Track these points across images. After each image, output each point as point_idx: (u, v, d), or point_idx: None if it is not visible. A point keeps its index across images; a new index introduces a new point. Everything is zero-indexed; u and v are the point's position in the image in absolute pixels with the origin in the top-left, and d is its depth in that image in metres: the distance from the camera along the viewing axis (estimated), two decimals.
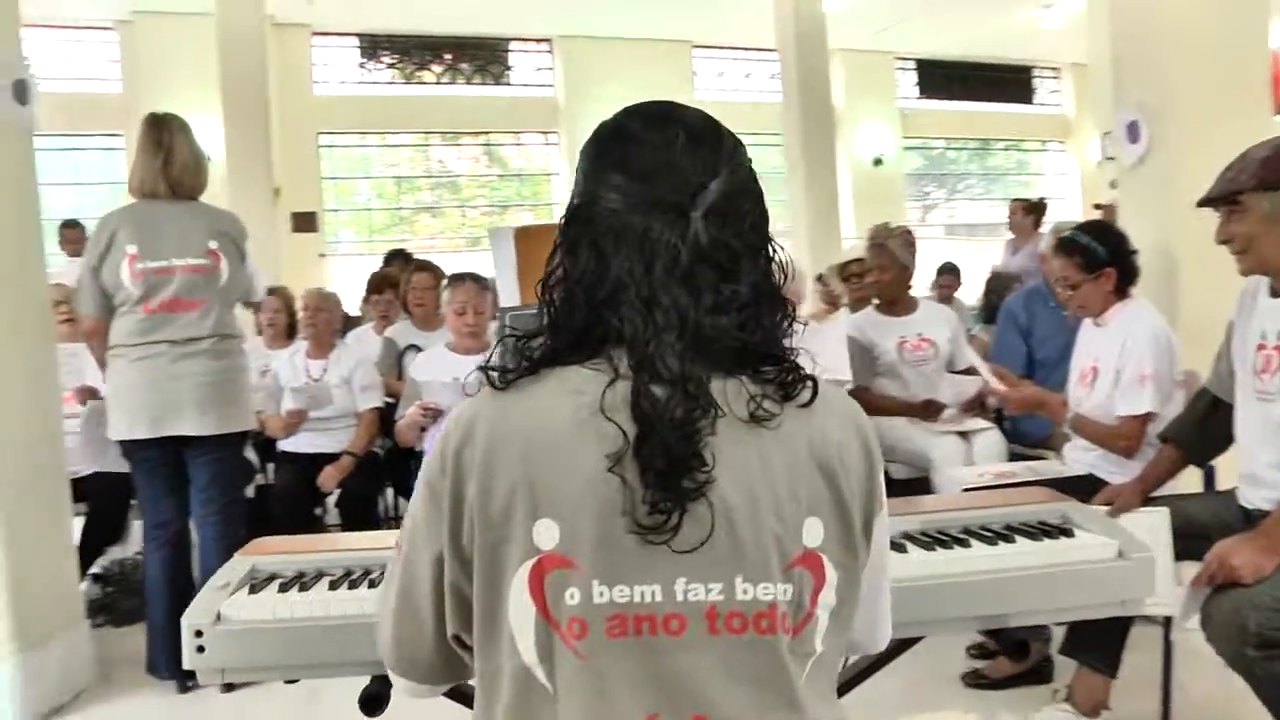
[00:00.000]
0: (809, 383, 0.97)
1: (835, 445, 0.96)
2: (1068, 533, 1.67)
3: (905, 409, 3.86)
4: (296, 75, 10.67)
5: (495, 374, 0.98)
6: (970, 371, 4.11)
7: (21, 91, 3.04)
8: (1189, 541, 2.41)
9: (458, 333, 3.56)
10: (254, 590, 1.56)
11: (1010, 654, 1.59)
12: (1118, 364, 2.80)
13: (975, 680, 2.90)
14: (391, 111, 11.24)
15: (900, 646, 1.83)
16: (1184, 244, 3.30)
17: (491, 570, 0.94)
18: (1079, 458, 2.94)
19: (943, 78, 12.97)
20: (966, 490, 2.96)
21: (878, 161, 12.12)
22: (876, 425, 3.77)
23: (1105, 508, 2.52)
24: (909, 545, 1.64)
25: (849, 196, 11.96)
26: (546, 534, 0.91)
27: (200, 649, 1.45)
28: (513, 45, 11.73)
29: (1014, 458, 3.69)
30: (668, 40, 11.53)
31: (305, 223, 10.54)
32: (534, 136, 11.99)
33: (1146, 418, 2.73)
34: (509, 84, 11.75)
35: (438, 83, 11.53)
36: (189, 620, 1.46)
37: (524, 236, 2.41)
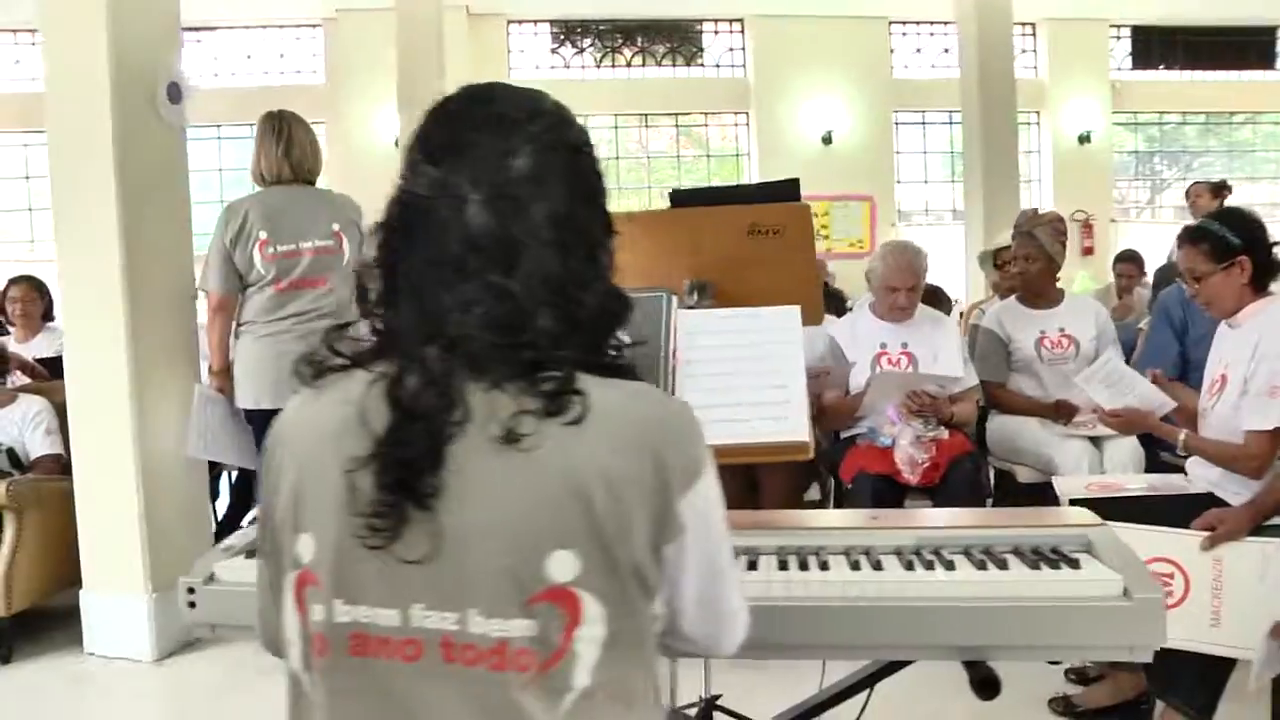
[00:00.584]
0: (577, 398, 0.87)
1: (602, 470, 0.86)
2: (1073, 563, 1.51)
3: (1037, 409, 3.60)
4: (493, 63, 11.11)
5: (305, 371, 0.97)
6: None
7: (175, 92, 3.36)
8: None
9: None
10: (250, 555, 1.67)
11: (977, 689, 1.46)
12: (1247, 371, 2.50)
13: (1065, 708, 2.69)
14: (586, 95, 11.49)
15: (885, 669, 1.74)
16: None
17: (276, 577, 0.96)
18: (1201, 474, 2.66)
19: (1162, 45, 11.80)
20: (1073, 502, 2.76)
21: (1083, 139, 11.23)
22: (1005, 425, 3.50)
23: (1196, 534, 2.29)
24: (888, 562, 1.54)
25: (1050, 176, 11.21)
26: (305, 548, 0.91)
27: (192, 604, 1.57)
28: (705, 26, 11.71)
29: (1155, 467, 3.38)
30: (863, 17, 11.15)
31: None
32: (725, 118, 11.94)
33: (1277, 434, 2.42)
34: (702, 65, 11.76)
35: (629, 65, 11.70)
36: (185, 577, 1.58)
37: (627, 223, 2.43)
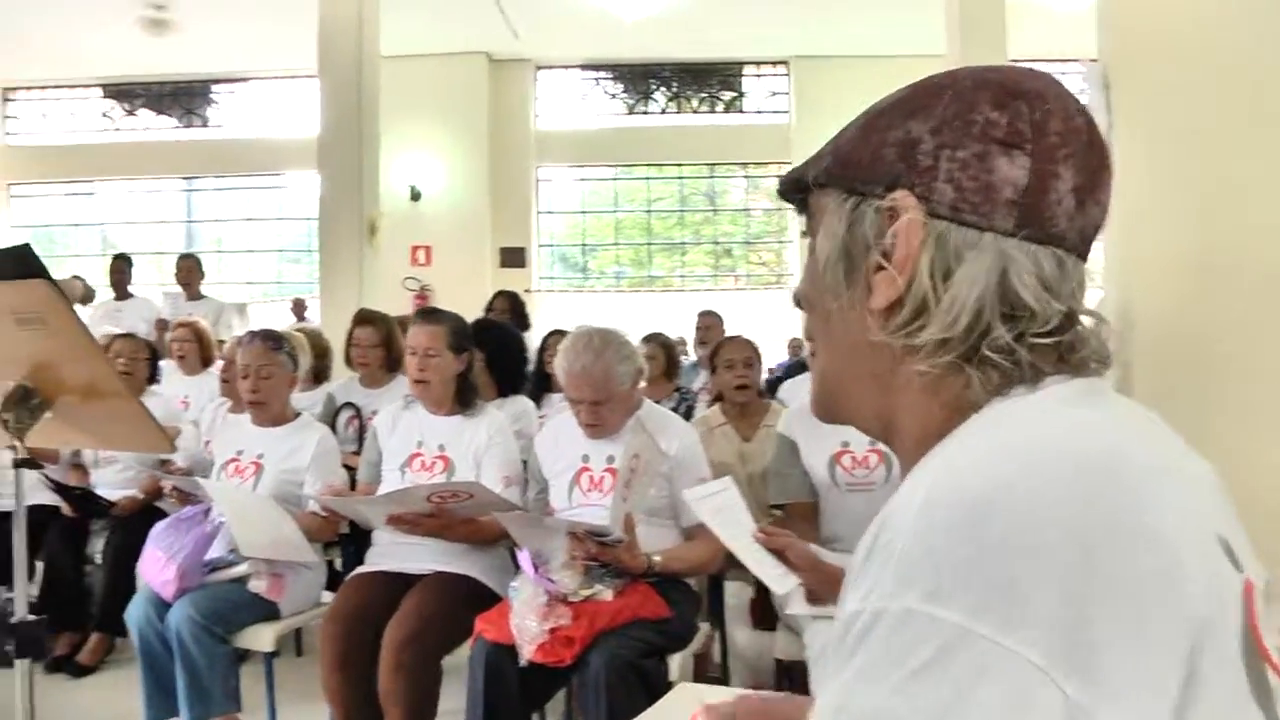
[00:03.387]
0: None
1: None
2: None
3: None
4: (517, 112, 10.69)
5: None
6: None
7: None
8: None
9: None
10: None
11: None
12: None
13: None
14: (614, 144, 10.93)
15: None
16: None
17: None
18: None
19: None
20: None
21: None
22: None
23: None
24: None
25: None
26: None
27: None
28: (746, 69, 10.96)
29: None
30: (919, 56, 10.10)
31: (513, 258, 10.51)
32: (767, 168, 11.12)
33: None
34: (741, 111, 10.99)
35: (664, 112, 11.05)
36: None
37: None
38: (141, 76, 11.05)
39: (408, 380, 2.87)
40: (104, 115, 11.35)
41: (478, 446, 2.81)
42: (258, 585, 2.71)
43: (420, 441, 2.83)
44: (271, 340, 3.02)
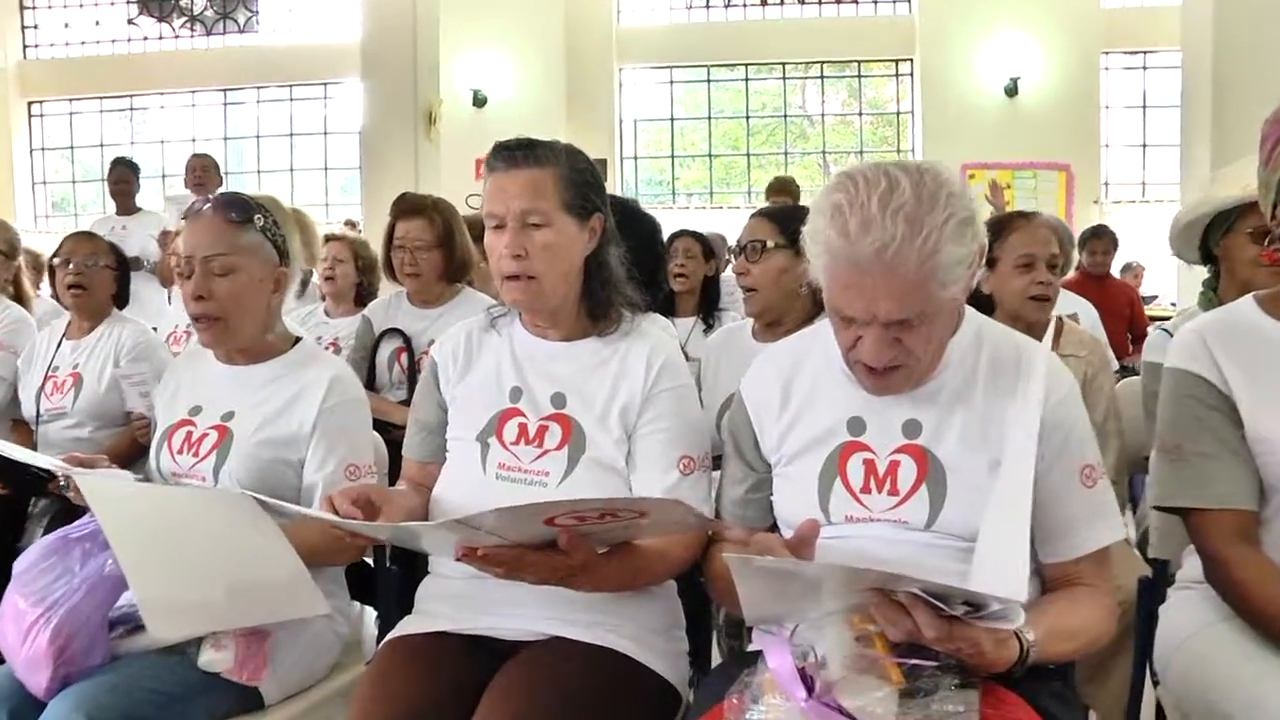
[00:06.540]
0: None
1: None
2: None
3: None
4: (597, 10, 9.28)
5: None
6: None
7: None
8: None
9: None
10: None
11: None
12: None
13: None
14: (710, 40, 9.49)
15: None
16: None
17: None
18: None
19: None
20: None
21: None
22: (1212, 646, 1.44)
23: None
24: None
25: None
26: None
27: None
28: None
29: None
30: None
31: None
32: (882, 66, 9.58)
33: None
34: (854, 1, 9.44)
35: (764, 4, 9.52)
36: None
37: None
38: None
39: (494, 276, 1.53)
40: (130, 23, 10.14)
41: (628, 399, 1.47)
42: (214, 659, 1.42)
43: (518, 388, 1.50)
44: (233, 208, 1.66)
